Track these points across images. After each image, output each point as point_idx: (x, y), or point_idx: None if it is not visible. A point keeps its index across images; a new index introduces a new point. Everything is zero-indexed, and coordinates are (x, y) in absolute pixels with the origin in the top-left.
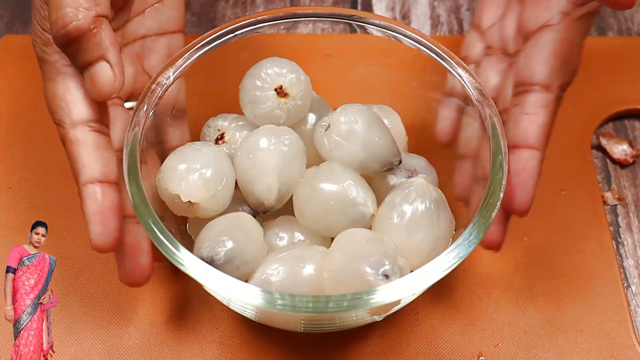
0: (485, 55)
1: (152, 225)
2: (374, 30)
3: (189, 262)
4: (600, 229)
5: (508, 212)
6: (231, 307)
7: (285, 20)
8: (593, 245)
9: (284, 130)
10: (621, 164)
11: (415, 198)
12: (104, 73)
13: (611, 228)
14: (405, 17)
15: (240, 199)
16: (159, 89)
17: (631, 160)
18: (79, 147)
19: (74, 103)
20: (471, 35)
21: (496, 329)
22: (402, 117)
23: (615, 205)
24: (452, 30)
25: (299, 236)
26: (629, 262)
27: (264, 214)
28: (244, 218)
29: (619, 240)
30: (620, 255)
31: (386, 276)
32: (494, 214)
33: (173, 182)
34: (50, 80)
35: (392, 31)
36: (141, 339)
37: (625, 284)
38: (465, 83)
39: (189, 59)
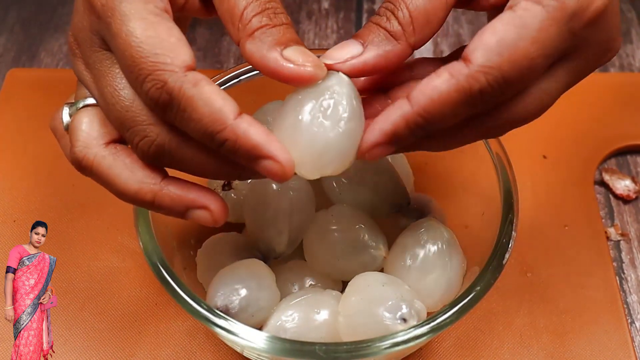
0: None
1: (167, 275)
2: None
3: (204, 312)
4: (604, 265)
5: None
6: (245, 354)
7: None
8: (596, 281)
9: None
10: (624, 200)
11: (427, 240)
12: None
13: (614, 264)
14: None
15: (250, 244)
16: None
17: (634, 196)
18: (206, 92)
19: (179, 46)
20: None
21: None
22: (406, 156)
23: (619, 240)
24: None
25: (309, 281)
26: (633, 298)
27: (274, 259)
28: (256, 264)
29: (623, 276)
30: (624, 291)
31: (404, 320)
32: (507, 255)
33: None
34: (141, 20)
35: None
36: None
37: (629, 320)
38: None
39: None
